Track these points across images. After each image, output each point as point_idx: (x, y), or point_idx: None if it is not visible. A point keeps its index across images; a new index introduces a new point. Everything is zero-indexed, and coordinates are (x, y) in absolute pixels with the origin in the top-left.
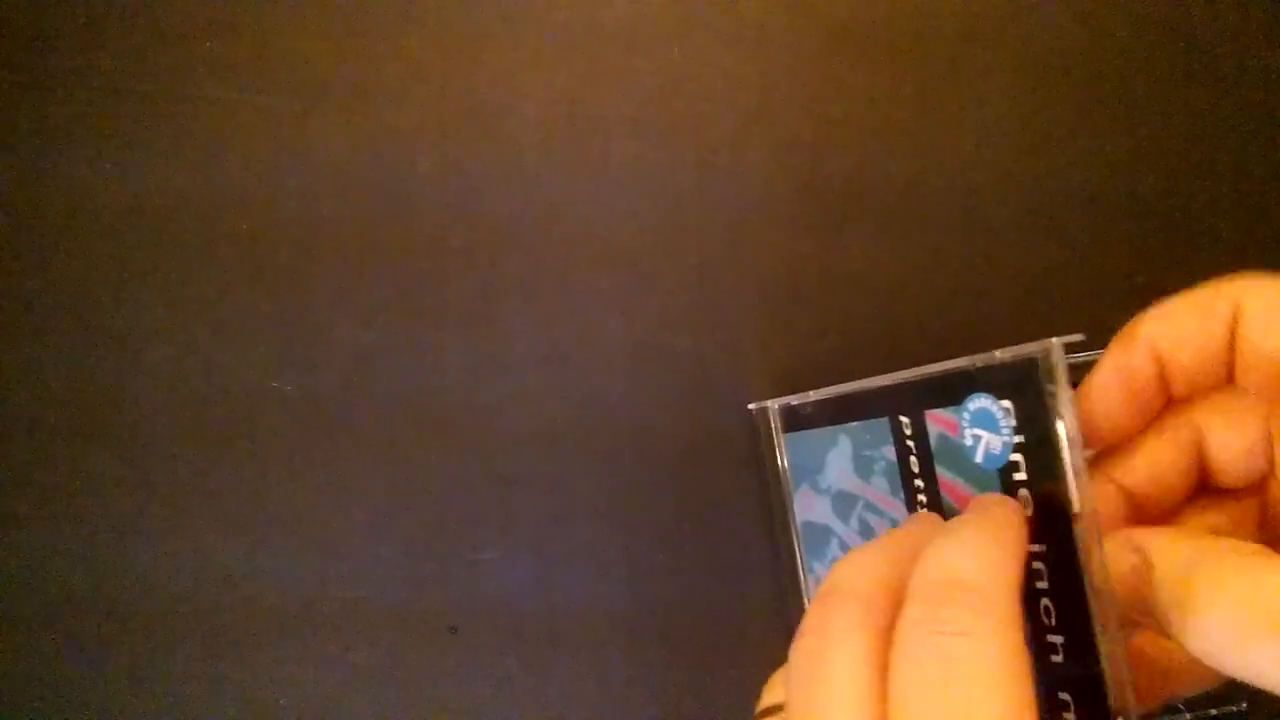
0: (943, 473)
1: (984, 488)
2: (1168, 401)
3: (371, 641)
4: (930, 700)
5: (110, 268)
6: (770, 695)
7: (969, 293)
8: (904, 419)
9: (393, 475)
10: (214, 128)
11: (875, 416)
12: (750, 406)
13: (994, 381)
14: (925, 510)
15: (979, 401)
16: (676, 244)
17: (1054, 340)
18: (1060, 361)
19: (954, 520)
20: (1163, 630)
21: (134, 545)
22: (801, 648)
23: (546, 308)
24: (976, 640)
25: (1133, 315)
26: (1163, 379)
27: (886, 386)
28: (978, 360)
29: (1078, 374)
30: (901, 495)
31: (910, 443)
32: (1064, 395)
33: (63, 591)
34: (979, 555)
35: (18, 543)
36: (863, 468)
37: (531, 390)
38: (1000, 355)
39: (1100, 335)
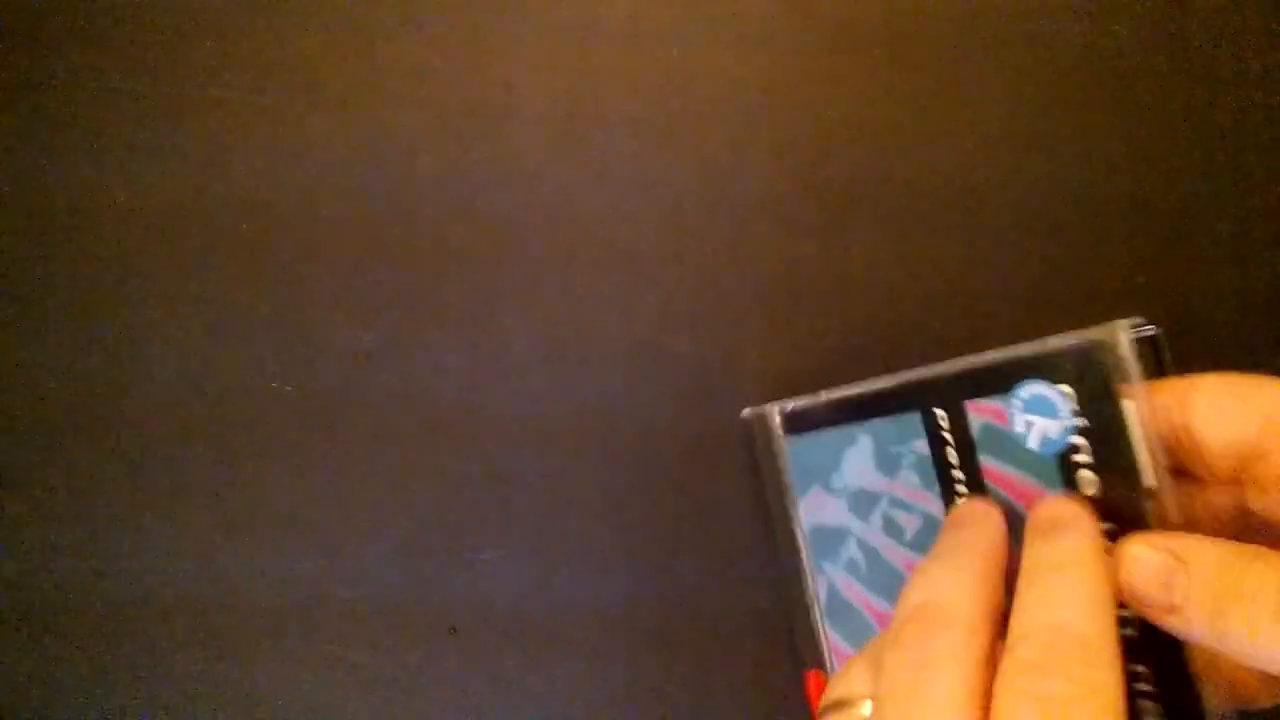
0: (988, 462)
1: (1040, 473)
2: None
3: (371, 642)
4: None
5: (110, 268)
6: (841, 689)
7: (969, 293)
8: (939, 411)
9: (392, 475)
10: (214, 128)
11: (903, 411)
12: (745, 413)
13: (1051, 367)
14: (970, 499)
15: (1034, 388)
16: (676, 244)
17: (1120, 322)
18: (1129, 344)
19: (1047, 550)
20: (1187, 633)
21: (134, 545)
22: (901, 662)
23: (546, 308)
24: (1086, 691)
25: (1133, 315)
26: None
27: (917, 381)
28: (1028, 348)
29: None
30: (936, 488)
31: (947, 435)
32: (1135, 376)
33: (63, 591)
34: (1086, 602)
35: (18, 543)
36: (888, 464)
37: (531, 390)
38: (1057, 342)
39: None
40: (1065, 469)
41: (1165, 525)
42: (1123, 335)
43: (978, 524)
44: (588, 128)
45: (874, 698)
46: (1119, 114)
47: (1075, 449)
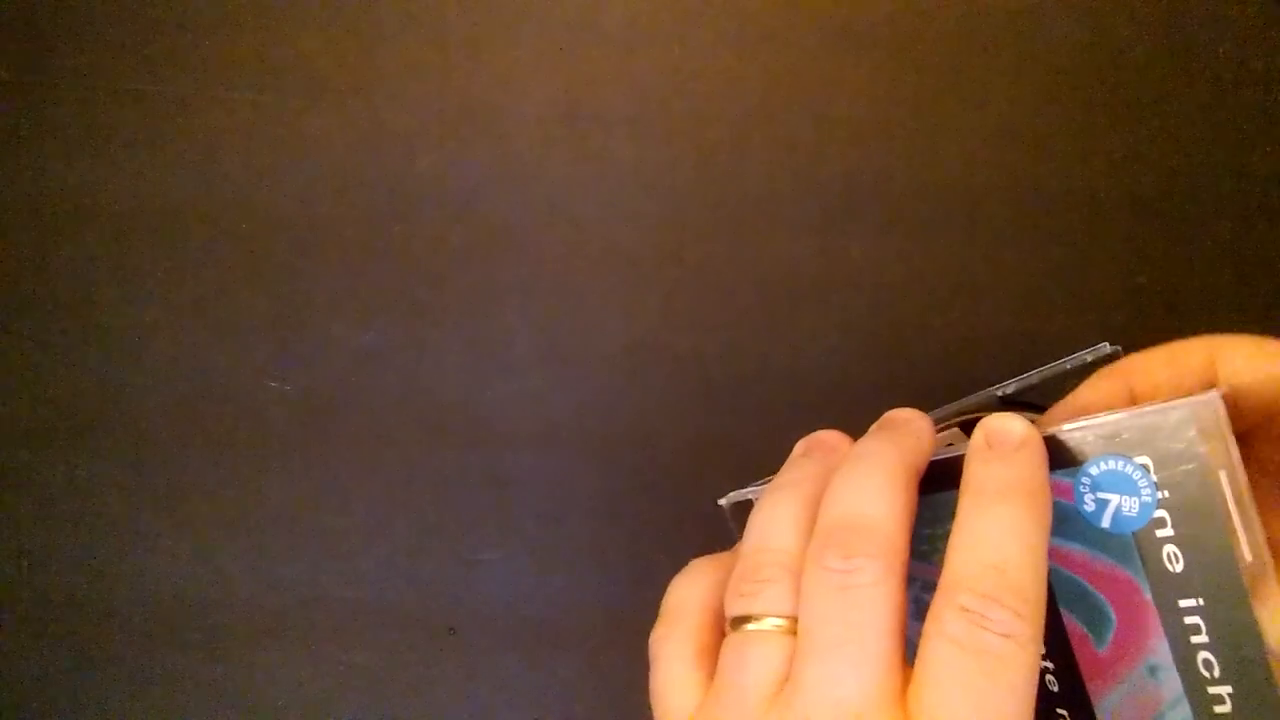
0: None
1: (1113, 550)
2: None
3: (370, 642)
4: (966, 695)
5: (110, 268)
6: (750, 604)
7: (969, 293)
8: None
9: (392, 475)
10: (214, 128)
11: (935, 491)
12: (721, 502)
13: (1125, 441)
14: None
15: (1107, 464)
16: (676, 244)
17: (1213, 392)
18: (1224, 413)
19: (996, 471)
20: None
21: (134, 545)
22: (824, 584)
23: (546, 308)
24: (1017, 648)
25: (1132, 315)
26: None
27: (952, 458)
28: (1093, 420)
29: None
30: None
31: None
32: (1230, 444)
33: (63, 591)
34: (1029, 544)
35: (18, 543)
36: (919, 548)
37: (531, 390)
38: (1135, 413)
39: (1098, 335)
40: (1144, 544)
41: (1264, 600)
42: (1220, 404)
43: (906, 425)
44: (587, 128)
45: (798, 621)
46: (1119, 114)
47: (1160, 523)
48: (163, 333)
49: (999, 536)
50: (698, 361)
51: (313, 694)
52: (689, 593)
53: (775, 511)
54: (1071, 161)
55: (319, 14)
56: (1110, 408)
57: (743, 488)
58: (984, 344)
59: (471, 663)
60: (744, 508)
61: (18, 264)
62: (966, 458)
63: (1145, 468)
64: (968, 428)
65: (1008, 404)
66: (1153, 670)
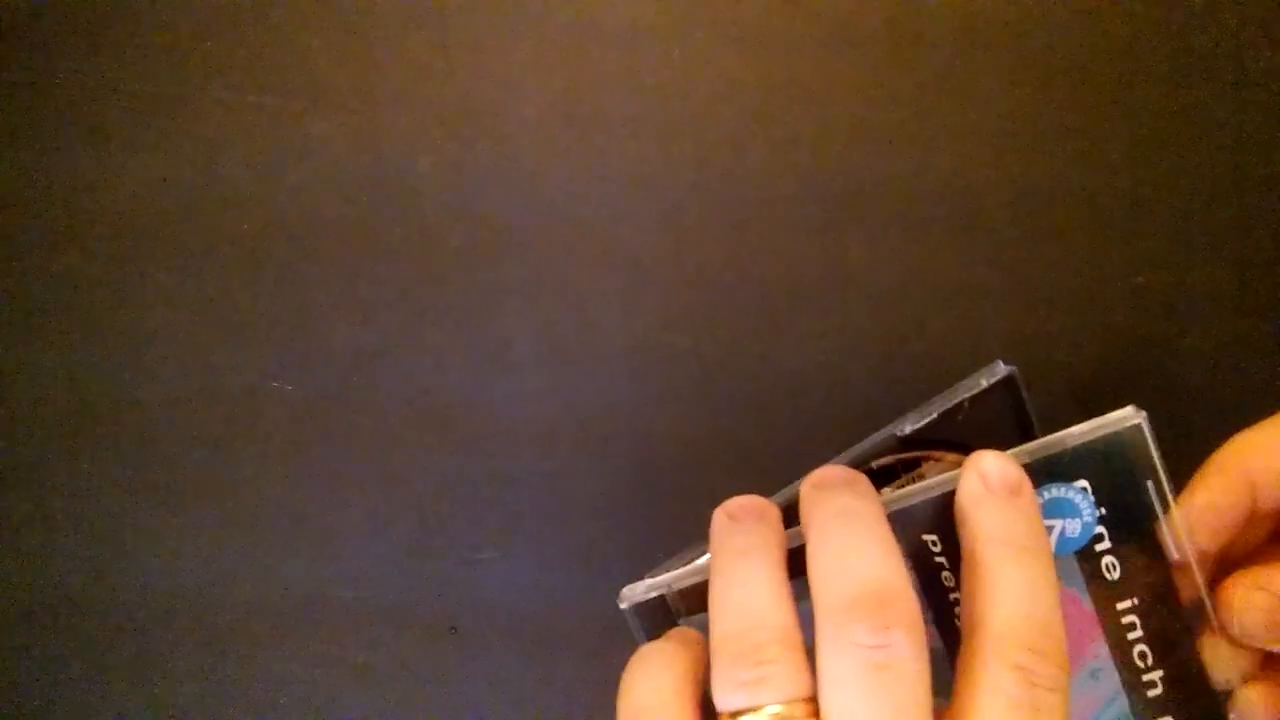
0: None
1: (1060, 572)
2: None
3: (371, 641)
4: None
5: (110, 268)
6: (754, 694)
7: (969, 293)
8: (930, 538)
9: (392, 475)
10: (214, 128)
11: None
12: (623, 606)
13: (1065, 467)
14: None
15: (1052, 492)
16: (676, 244)
17: (1131, 409)
18: (1147, 426)
19: (1012, 522)
20: None
21: (134, 545)
22: (858, 665)
23: (546, 308)
24: (1062, 698)
25: (1132, 315)
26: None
27: (893, 512)
28: (1034, 449)
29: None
30: (930, 615)
31: (941, 559)
32: (1155, 455)
33: (63, 591)
34: (1054, 592)
35: (18, 543)
36: None
37: (531, 390)
38: (1069, 439)
39: (1098, 335)
40: (1084, 559)
41: (1193, 594)
42: (1144, 420)
43: (861, 481)
44: (587, 128)
45: (823, 708)
46: (1119, 114)
47: (1099, 538)
48: (163, 333)
49: (1032, 589)
50: (698, 361)
51: (313, 694)
52: (655, 689)
53: (751, 585)
54: (1071, 161)
55: (320, 15)
56: (1232, 506)
57: (639, 581)
58: (984, 344)
59: (472, 662)
60: (651, 607)
61: (18, 264)
62: (967, 504)
63: (1085, 490)
64: (873, 476)
65: (907, 444)
66: (1094, 674)
